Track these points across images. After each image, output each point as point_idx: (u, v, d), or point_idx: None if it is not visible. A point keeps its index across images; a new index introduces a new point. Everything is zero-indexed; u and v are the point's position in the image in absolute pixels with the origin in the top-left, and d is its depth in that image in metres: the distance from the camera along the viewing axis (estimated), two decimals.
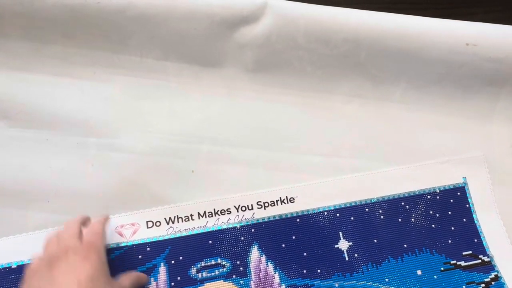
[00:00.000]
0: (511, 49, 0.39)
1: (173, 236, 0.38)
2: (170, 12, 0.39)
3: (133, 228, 0.38)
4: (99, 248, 0.32)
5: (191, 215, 0.38)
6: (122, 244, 0.37)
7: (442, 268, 0.38)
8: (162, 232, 0.38)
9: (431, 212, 0.40)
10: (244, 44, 0.40)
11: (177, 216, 0.37)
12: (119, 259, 0.37)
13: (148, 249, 0.37)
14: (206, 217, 0.38)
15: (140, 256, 0.37)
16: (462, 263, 0.38)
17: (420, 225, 0.39)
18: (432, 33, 0.39)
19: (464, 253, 0.38)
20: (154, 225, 0.38)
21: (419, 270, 0.38)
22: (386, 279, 0.37)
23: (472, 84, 0.42)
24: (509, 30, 0.39)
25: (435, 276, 0.37)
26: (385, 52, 0.40)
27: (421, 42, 0.39)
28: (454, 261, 0.38)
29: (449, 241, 0.39)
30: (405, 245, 0.39)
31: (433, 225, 0.39)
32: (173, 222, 0.38)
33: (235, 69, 0.42)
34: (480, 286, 0.37)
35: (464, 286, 0.37)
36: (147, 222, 0.37)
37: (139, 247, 0.37)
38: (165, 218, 0.37)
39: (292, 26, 0.39)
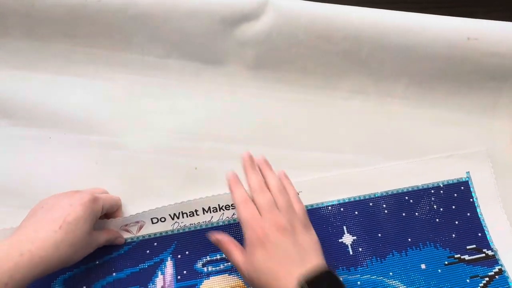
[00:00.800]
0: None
1: (179, 231, 0.38)
2: (171, 10, 0.39)
3: (138, 225, 0.38)
4: (100, 203, 0.34)
5: (196, 211, 0.38)
6: (130, 240, 0.38)
7: (446, 262, 0.38)
8: (168, 227, 0.38)
9: (435, 206, 0.40)
10: (245, 41, 0.40)
11: (182, 212, 0.38)
12: (128, 254, 0.38)
13: (155, 244, 0.38)
14: (210, 212, 0.38)
15: (148, 251, 0.38)
16: (466, 257, 0.38)
17: (424, 220, 0.40)
18: (433, 29, 0.39)
19: (468, 247, 0.39)
20: (159, 221, 0.38)
21: (423, 264, 0.38)
22: (391, 273, 0.37)
23: (474, 79, 0.42)
24: (510, 25, 0.39)
25: (439, 270, 0.38)
26: (386, 48, 0.40)
27: (422, 38, 0.39)
28: (458, 255, 0.38)
29: (453, 235, 0.39)
30: (409, 239, 0.39)
31: (437, 220, 0.40)
32: (178, 218, 0.38)
33: (237, 67, 0.42)
34: (484, 280, 0.37)
35: (468, 280, 0.37)
36: (151, 219, 0.38)
37: (147, 242, 0.38)
38: (169, 215, 0.38)
39: (293, 23, 0.39)
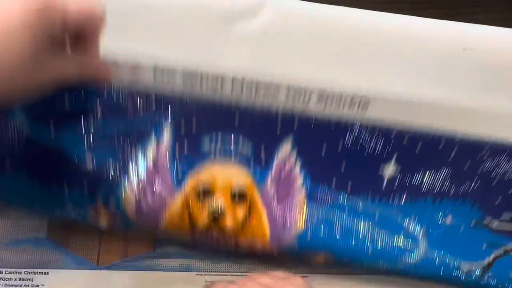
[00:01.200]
0: (509, 56, 0.37)
1: (191, 97, 0.28)
2: (166, 7, 0.38)
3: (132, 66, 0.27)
4: (58, 13, 0.22)
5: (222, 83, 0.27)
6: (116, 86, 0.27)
7: (472, 225, 0.34)
8: (178, 87, 0.28)
9: (501, 171, 0.34)
10: (242, 39, 0.39)
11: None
12: (111, 101, 0.27)
13: (153, 98, 0.28)
14: (242, 89, 0.28)
15: (141, 104, 0.28)
16: (495, 224, 0.34)
17: (481, 178, 0.34)
18: (428, 36, 0.38)
19: (503, 215, 0.34)
20: (166, 75, 0.27)
21: (450, 218, 0.34)
22: (414, 216, 0.33)
23: (468, 91, 0.38)
24: (509, 33, 0.37)
25: (461, 229, 0.34)
26: (385, 49, 0.38)
27: (416, 44, 0.38)
28: (490, 218, 0.34)
29: (497, 201, 0.34)
30: (452, 191, 0.33)
31: (494, 183, 0.34)
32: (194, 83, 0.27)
33: (234, 65, 0.40)
34: (500, 251, 0.35)
35: (485, 244, 0.34)
36: (154, 69, 0.26)
37: (142, 94, 0.28)
38: (183, 71, 0.26)
39: (290, 23, 0.39)
